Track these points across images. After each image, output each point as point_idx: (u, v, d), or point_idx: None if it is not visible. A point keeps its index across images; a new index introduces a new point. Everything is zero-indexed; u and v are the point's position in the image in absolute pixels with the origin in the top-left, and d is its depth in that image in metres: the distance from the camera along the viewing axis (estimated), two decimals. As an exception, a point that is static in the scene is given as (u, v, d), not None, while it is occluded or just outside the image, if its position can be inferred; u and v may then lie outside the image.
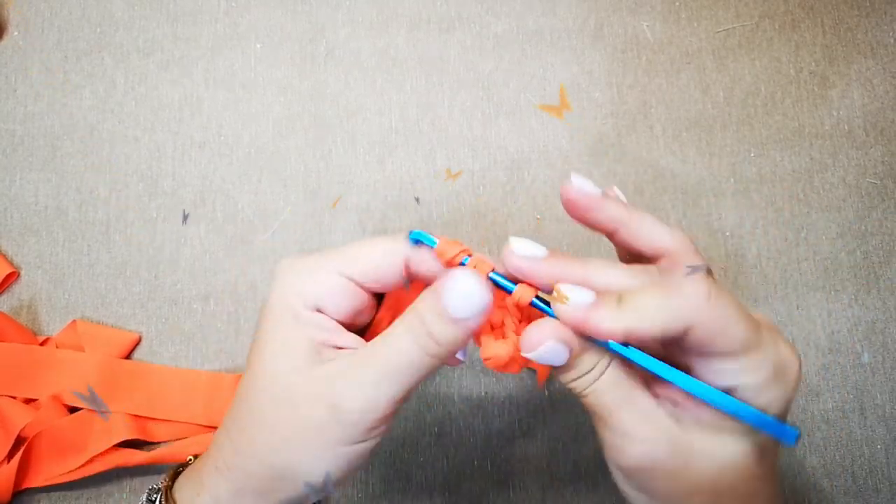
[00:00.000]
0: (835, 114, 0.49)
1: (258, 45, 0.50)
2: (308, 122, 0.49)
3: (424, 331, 0.28)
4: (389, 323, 0.33)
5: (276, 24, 0.50)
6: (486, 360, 0.30)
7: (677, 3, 0.51)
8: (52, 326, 0.46)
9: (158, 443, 0.44)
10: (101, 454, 0.43)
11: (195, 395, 0.45)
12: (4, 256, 0.47)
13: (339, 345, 0.30)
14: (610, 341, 0.28)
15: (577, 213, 0.32)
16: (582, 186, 0.32)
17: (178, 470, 0.34)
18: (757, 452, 0.28)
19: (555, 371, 0.29)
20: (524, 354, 0.28)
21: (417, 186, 0.48)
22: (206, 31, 0.50)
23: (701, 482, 0.28)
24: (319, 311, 0.30)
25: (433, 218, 0.48)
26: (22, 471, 0.43)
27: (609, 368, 0.29)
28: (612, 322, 0.27)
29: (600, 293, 0.28)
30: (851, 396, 0.46)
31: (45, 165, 0.49)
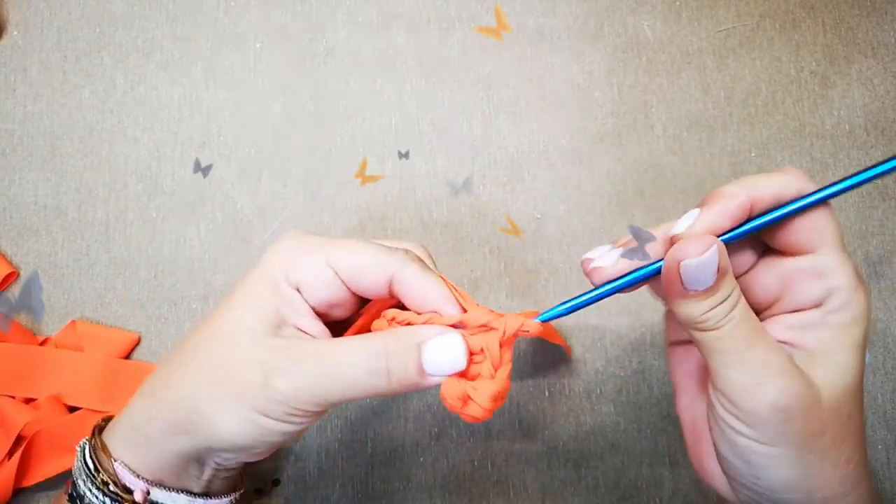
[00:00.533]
0: (835, 113, 0.49)
1: (258, 45, 0.50)
2: (308, 122, 0.49)
3: (384, 364, 0.29)
4: (364, 326, 0.33)
5: (276, 24, 0.50)
6: (444, 397, 0.29)
7: (677, 3, 0.51)
8: (52, 326, 0.46)
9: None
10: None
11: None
12: (4, 256, 0.47)
13: (303, 328, 0.31)
14: (737, 230, 0.28)
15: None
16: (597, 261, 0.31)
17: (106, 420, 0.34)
18: (862, 362, 0.29)
19: (688, 303, 0.28)
20: (680, 265, 0.27)
21: (418, 186, 0.48)
22: (205, 31, 0.50)
23: (832, 416, 0.28)
24: (298, 290, 0.31)
25: (433, 218, 0.48)
26: (21, 469, 0.43)
27: (741, 299, 0.28)
28: (733, 200, 0.28)
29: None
30: (852, 397, 0.46)
31: (45, 165, 0.49)
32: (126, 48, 0.50)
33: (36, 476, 0.43)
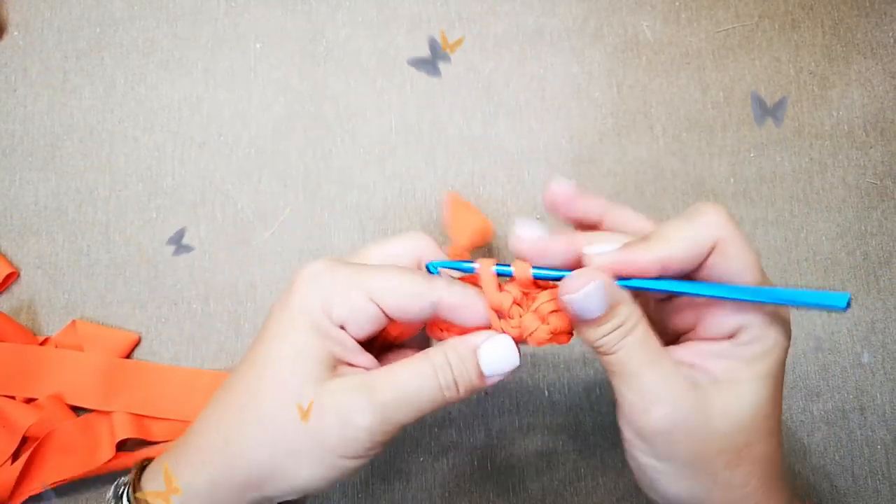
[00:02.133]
0: (834, 114, 0.49)
1: (258, 45, 0.50)
2: (308, 122, 0.49)
3: (450, 375, 0.30)
4: (398, 334, 0.33)
5: (276, 24, 0.50)
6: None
7: (677, 3, 0.51)
8: (52, 326, 0.46)
9: (157, 442, 0.44)
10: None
11: (195, 394, 0.45)
12: (4, 256, 0.47)
13: (355, 363, 0.31)
14: (636, 281, 0.29)
15: (558, 209, 0.33)
16: (562, 185, 0.33)
17: (143, 463, 0.33)
18: (770, 394, 0.30)
19: (584, 329, 0.29)
20: (564, 298, 0.29)
21: (418, 186, 0.48)
22: (205, 31, 0.50)
23: (724, 440, 0.29)
24: (342, 327, 0.30)
25: (433, 218, 0.48)
26: (25, 472, 0.43)
27: (639, 325, 0.29)
28: (646, 254, 0.29)
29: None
30: (851, 396, 0.46)
31: (45, 165, 0.49)
32: (126, 48, 0.50)
33: (40, 480, 0.43)
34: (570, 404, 0.46)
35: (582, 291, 0.28)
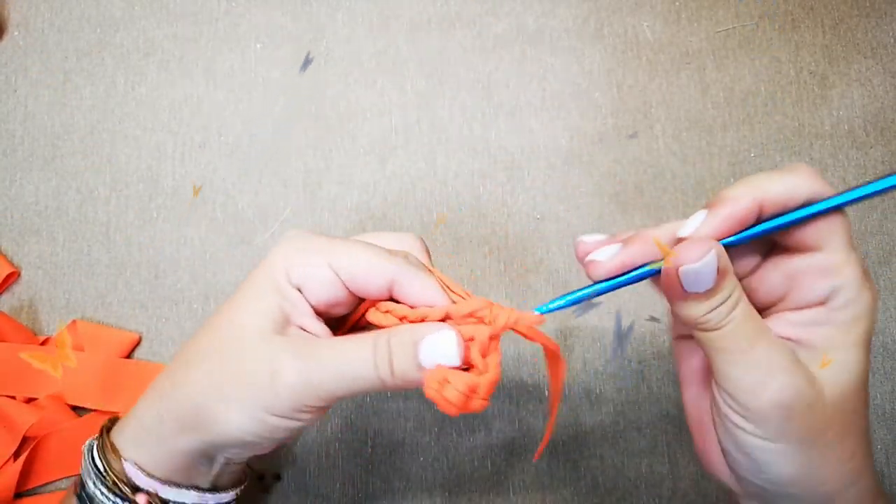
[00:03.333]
0: (835, 114, 0.49)
1: (258, 45, 0.50)
2: (308, 122, 0.49)
3: (387, 360, 0.29)
4: (358, 319, 0.33)
5: (276, 24, 0.50)
6: (425, 382, 0.29)
7: (677, 4, 0.51)
8: (52, 326, 0.47)
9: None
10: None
11: (195, 394, 0.45)
12: (4, 256, 0.47)
13: (306, 327, 0.31)
14: (739, 235, 0.28)
15: (597, 266, 0.31)
16: (592, 239, 0.32)
17: (114, 418, 0.35)
18: (868, 359, 0.29)
19: (689, 305, 0.28)
20: (681, 270, 0.28)
21: (418, 186, 0.48)
22: (206, 31, 0.50)
23: (834, 412, 0.28)
24: (300, 290, 0.31)
25: (433, 218, 0.48)
26: (26, 471, 0.43)
27: (743, 297, 0.29)
28: (739, 201, 0.28)
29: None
30: (851, 396, 0.46)
31: (46, 165, 0.49)
32: (127, 48, 0.50)
33: (40, 479, 0.43)
34: (570, 404, 0.46)
35: (703, 261, 0.27)
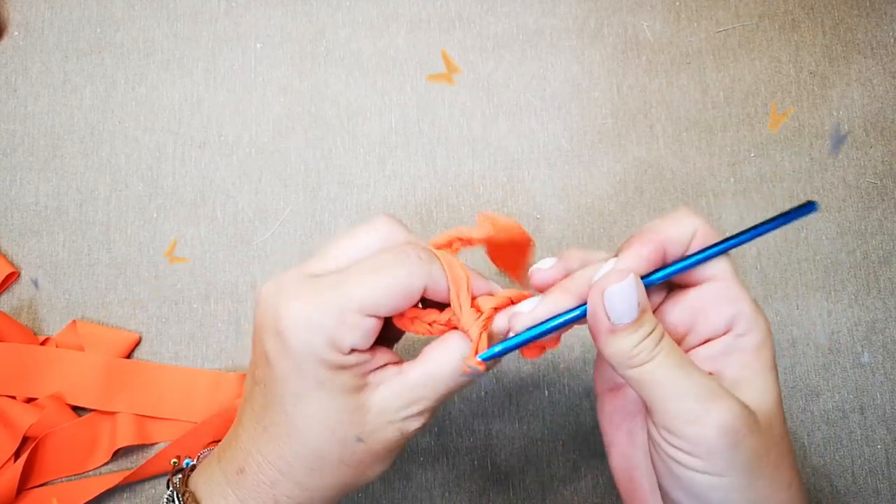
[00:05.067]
0: (835, 114, 0.49)
1: (258, 45, 0.50)
2: (308, 122, 0.49)
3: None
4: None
5: (276, 24, 0.50)
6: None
7: (677, 3, 0.51)
8: (52, 326, 0.47)
9: (156, 444, 0.44)
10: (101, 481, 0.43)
11: (196, 394, 0.45)
12: (4, 256, 0.47)
13: (377, 366, 0.31)
14: (654, 275, 0.30)
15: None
16: (544, 266, 0.32)
17: (181, 470, 0.34)
18: (779, 392, 0.30)
19: (615, 340, 0.28)
20: (606, 293, 0.28)
21: (418, 186, 0.48)
22: (206, 31, 0.50)
23: (768, 438, 0.28)
24: (355, 350, 0.30)
25: (433, 218, 0.48)
26: (27, 471, 0.43)
27: (664, 332, 0.29)
28: (646, 245, 0.30)
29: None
30: (851, 396, 0.46)
31: (46, 165, 0.49)
32: (127, 48, 0.50)
33: (40, 478, 0.43)
34: (570, 404, 0.46)
35: (624, 283, 0.28)
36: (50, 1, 0.51)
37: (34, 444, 0.43)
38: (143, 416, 0.44)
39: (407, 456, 0.45)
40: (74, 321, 0.46)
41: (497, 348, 0.30)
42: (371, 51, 0.50)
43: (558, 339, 0.32)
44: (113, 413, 0.44)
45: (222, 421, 0.44)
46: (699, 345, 0.31)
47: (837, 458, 0.45)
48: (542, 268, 0.32)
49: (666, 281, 0.31)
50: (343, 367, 0.29)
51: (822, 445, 0.45)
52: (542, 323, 0.30)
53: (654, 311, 0.32)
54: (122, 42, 0.50)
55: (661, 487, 0.30)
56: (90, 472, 0.44)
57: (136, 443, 0.43)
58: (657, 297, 0.32)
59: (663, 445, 0.29)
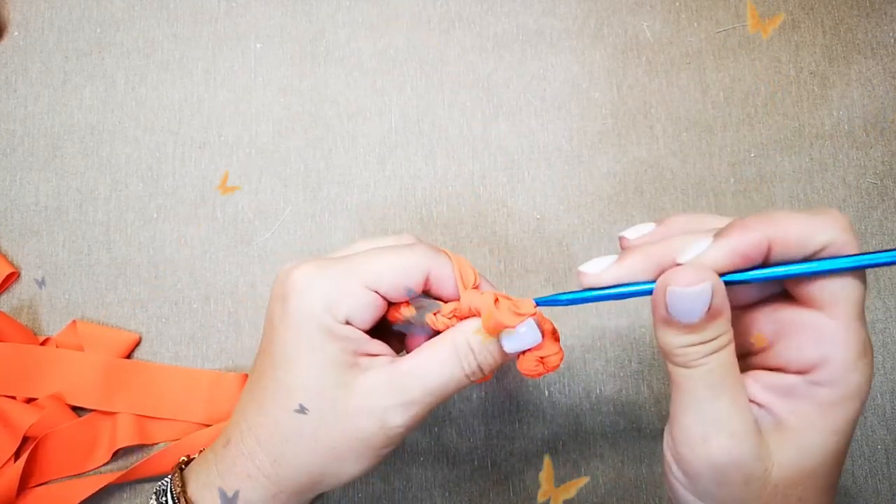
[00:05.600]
0: (835, 114, 0.49)
1: (258, 45, 0.50)
2: (308, 122, 0.49)
3: (474, 360, 0.30)
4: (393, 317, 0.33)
5: (276, 24, 0.50)
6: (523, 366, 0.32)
7: (677, 3, 0.51)
8: (52, 326, 0.47)
9: (156, 444, 0.44)
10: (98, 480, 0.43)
11: (196, 394, 0.45)
12: (4, 256, 0.47)
13: (371, 352, 0.31)
14: (737, 276, 0.26)
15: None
16: (641, 230, 0.30)
17: (180, 466, 0.34)
18: (840, 449, 0.26)
19: (669, 331, 0.26)
20: (668, 290, 0.26)
21: (418, 186, 0.48)
22: (206, 31, 0.50)
23: (774, 492, 0.26)
24: (349, 323, 0.30)
25: (433, 218, 0.48)
26: (27, 471, 0.43)
27: (729, 346, 0.26)
28: (750, 233, 0.25)
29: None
30: (851, 396, 0.46)
31: (46, 165, 0.49)
32: (127, 48, 0.50)
33: (41, 478, 0.43)
34: (570, 404, 0.46)
35: (695, 289, 0.25)
36: (50, 1, 0.51)
37: (34, 444, 0.42)
38: (143, 416, 0.44)
39: (407, 456, 0.45)
40: (74, 321, 0.46)
41: (556, 297, 0.30)
42: (371, 51, 0.50)
43: (559, 363, 0.32)
44: (113, 413, 0.44)
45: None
46: (772, 368, 0.28)
47: (837, 458, 0.45)
48: (634, 234, 0.29)
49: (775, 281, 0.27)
50: (336, 336, 0.30)
51: (822, 445, 0.45)
52: (608, 288, 0.28)
53: (744, 307, 0.29)
54: (122, 42, 0.50)
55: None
56: (90, 472, 0.44)
57: (136, 443, 0.43)
58: (750, 293, 0.29)
59: (665, 447, 0.29)
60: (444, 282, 0.31)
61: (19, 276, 0.47)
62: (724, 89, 0.50)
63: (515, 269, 0.47)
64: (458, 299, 0.32)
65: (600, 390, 0.46)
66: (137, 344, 0.46)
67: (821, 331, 0.26)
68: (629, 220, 0.48)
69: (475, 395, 0.46)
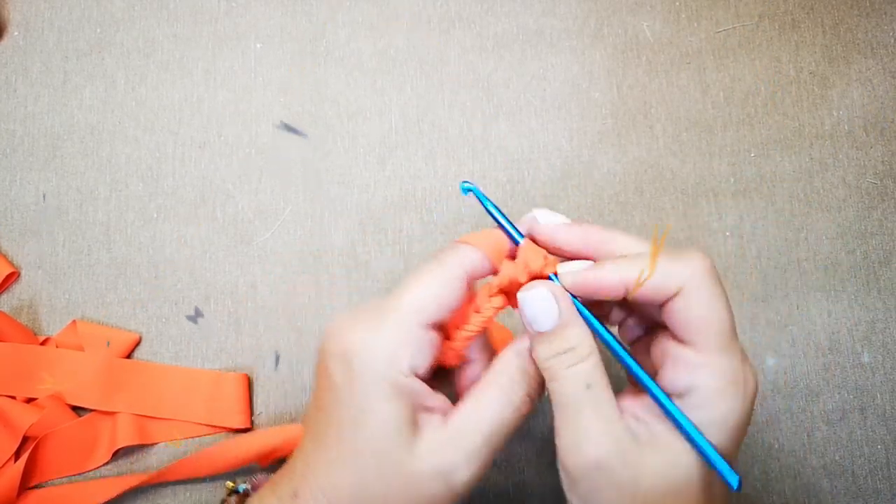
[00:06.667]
0: (835, 114, 0.49)
1: (258, 45, 0.50)
2: (308, 122, 0.49)
3: (522, 391, 0.30)
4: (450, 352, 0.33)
5: (276, 24, 0.50)
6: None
7: (677, 3, 0.51)
8: (52, 326, 0.47)
9: (156, 444, 0.44)
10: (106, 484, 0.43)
11: (196, 394, 0.45)
12: (4, 256, 0.47)
13: (430, 406, 0.30)
14: (585, 311, 0.29)
15: (543, 241, 0.32)
16: (546, 216, 0.32)
17: (236, 492, 0.34)
18: (705, 481, 0.28)
19: (536, 344, 0.29)
20: (518, 294, 0.29)
21: (418, 186, 0.48)
22: (206, 31, 0.50)
23: (646, 501, 0.28)
24: (414, 373, 0.30)
25: (433, 218, 0.48)
26: (27, 471, 0.43)
27: (591, 358, 0.29)
28: (611, 273, 0.28)
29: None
30: (851, 396, 0.46)
31: (46, 165, 0.49)
32: (127, 48, 0.50)
33: (40, 478, 0.43)
34: (570, 404, 0.46)
35: (531, 293, 0.29)
36: (50, 1, 0.51)
37: (34, 443, 0.43)
38: (143, 416, 0.44)
39: (407, 456, 0.45)
40: (74, 321, 0.46)
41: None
42: (371, 51, 0.50)
43: None
44: (113, 413, 0.44)
45: (252, 444, 0.43)
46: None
47: (837, 458, 0.45)
48: (544, 220, 0.31)
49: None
50: (402, 393, 0.29)
51: (822, 445, 0.45)
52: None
53: (644, 335, 0.32)
54: (122, 42, 0.50)
55: None
56: (90, 472, 0.44)
57: (136, 443, 0.43)
58: (646, 323, 0.33)
59: (557, 455, 0.30)
60: (484, 270, 0.31)
61: (19, 276, 0.47)
62: (724, 89, 0.50)
63: (515, 269, 0.47)
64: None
65: (600, 390, 0.46)
66: (137, 344, 0.46)
67: (688, 362, 0.28)
68: (629, 220, 0.48)
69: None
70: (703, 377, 0.28)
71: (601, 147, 0.49)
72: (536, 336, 0.29)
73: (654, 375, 0.30)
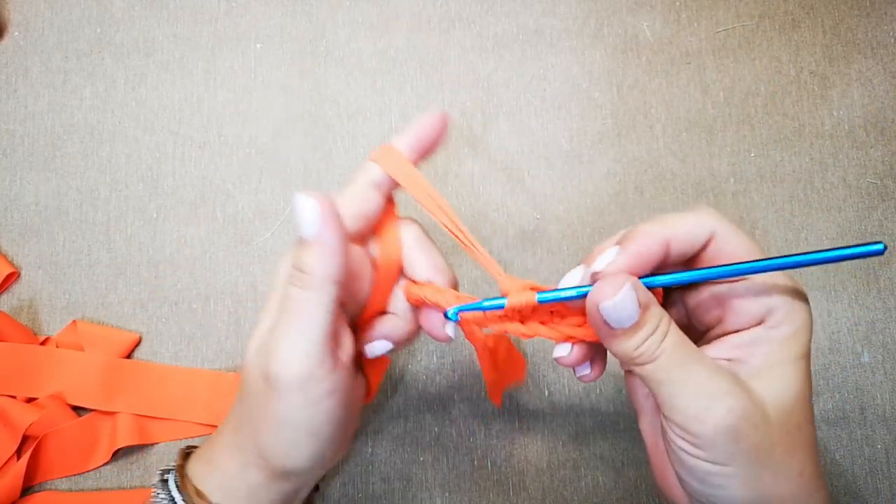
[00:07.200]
0: (835, 114, 0.49)
1: (258, 45, 0.50)
2: (308, 123, 0.49)
3: (293, 270, 0.31)
4: (378, 304, 0.34)
5: (276, 24, 0.50)
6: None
7: (677, 3, 0.51)
8: (52, 326, 0.47)
9: (156, 444, 0.44)
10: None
11: (196, 394, 0.45)
12: (4, 256, 0.47)
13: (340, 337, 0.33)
14: (656, 278, 0.29)
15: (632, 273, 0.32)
16: (602, 263, 0.31)
17: (187, 451, 0.36)
18: (808, 374, 0.29)
19: (619, 341, 0.29)
20: (600, 307, 0.28)
21: (417, 186, 0.48)
22: (206, 31, 0.50)
23: (779, 429, 0.28)
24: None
25: (433, 217, 0.48)
26: (29, 470, 0.43)
27: (672, 327, 0.29)
28: (646, 238, 0.29)
29: None
30: (851, 396, 0.46)
31: (46, 165, 0.49)
32: (127, 48, 0.50)
33: (41, 478, 0.43)
34: (570, 404, 0.46)
35: (618, 296, 0.28)
36: (50, 1, 0.51)
37: (35, 443, 0.43)
38: (143, 416, 0.44)
39: (407, 456, 0.45)
40: (74, 321, 0.46)
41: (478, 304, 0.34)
42: (371, 51, 0.50)
43: (523, 376, 0.32)
44: (113, 413, 0.44)
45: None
46: (731, 332, 0.31)
47: (837, 458, 0.45)
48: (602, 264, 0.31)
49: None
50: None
51: (822, 445, 0.45)
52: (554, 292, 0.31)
53: (687, 295, 0.32)
54: (122, 42, 0.50)
55: (671, 463, 0.31)
56: (90, 472, 0.44)
57: (136, 443, 0.43)
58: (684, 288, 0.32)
59: (669, 434, 0.29)
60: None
61: (19, 276, 0.47)
62: (724, 89, 0.50)
63: (515, 269, 0.47)
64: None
65: (600, 390, 0.46)
66: (137, 344, 0.46)
67: (754, 289, 0.30)
68: (629, 220, 0.48)
69: (475, 395, 0.46)
70: (776, 294, 0.29)
71: (601, 147, 0.49)
72: (621, 334, 0.29)
73: (716, 324, 0.31)
